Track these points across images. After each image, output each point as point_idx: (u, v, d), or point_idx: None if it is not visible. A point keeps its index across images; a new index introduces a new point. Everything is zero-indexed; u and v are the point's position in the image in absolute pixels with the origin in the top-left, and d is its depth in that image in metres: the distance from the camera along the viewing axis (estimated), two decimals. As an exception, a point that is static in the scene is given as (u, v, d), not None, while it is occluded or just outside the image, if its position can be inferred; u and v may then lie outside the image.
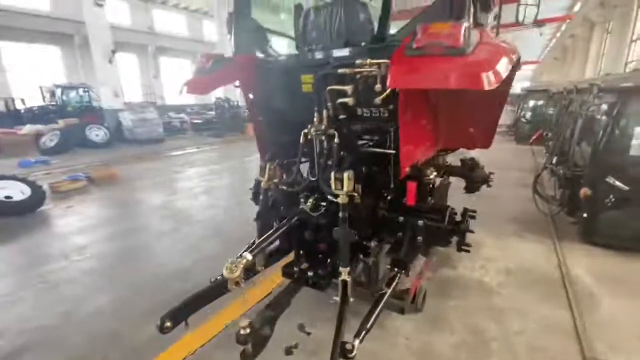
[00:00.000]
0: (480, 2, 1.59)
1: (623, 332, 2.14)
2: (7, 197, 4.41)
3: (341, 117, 1.62)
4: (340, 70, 1.53)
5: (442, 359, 1.94)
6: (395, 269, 1.76)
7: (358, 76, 1.52)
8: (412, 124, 1.54)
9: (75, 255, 3.39)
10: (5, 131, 9.78)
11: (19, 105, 13.88)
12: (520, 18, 2.48)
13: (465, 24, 1.13)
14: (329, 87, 1.57)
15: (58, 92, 12.05)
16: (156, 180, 6.63)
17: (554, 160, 4.13)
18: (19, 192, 4.55)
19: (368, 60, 1.43)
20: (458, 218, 1.96)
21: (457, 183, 3.17)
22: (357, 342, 1.45)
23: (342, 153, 1.60)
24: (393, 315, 2.23)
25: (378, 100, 1.41)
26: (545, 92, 9.50)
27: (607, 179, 2.99)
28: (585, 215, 3.23)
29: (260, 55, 2.06)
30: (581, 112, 3.86)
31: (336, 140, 1.58)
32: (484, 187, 3.09)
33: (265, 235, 1.64)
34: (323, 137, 1.60)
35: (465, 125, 2.28)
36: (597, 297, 2.49)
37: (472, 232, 1.97)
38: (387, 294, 1.72)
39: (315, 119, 1.62)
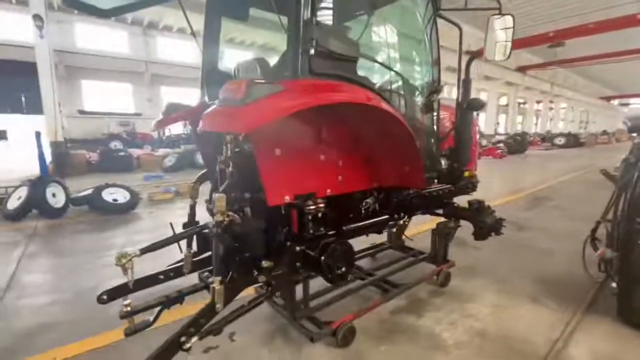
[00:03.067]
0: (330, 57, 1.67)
1: None
2: (114, 200, 6.03)
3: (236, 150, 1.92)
4: None
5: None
6: (267, 288, 1.87)
7: None
8: (273, 163, 1.73)
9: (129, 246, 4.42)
10: (146, 152, 13.10)
11: (167, 133, 18.34)
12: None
13: (250, 82, 1.34)
14: None
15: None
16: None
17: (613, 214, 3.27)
18: (123, 197, 6.16)
19: None
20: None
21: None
22: (195, 338, 1.65)
23: (227, 180, 1.88)
24: (316, 345, 2.26)
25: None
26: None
27: (642, 241, 2.30)
28: (614, 285, 2.50)
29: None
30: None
31: (229, 169, 1.88)
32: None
33: (163, 239, 2.01)
34: (223, 166, 1.93)
35: (395, 164, 2.25)
36: (576, 387, 1.94)
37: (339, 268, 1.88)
38: (245, 305, 1.85)
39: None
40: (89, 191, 6.09)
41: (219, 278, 1.77)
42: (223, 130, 1.33)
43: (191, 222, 2.25)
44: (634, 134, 2.66)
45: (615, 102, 47.75)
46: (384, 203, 2.62)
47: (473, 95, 2.69)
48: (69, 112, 18.32)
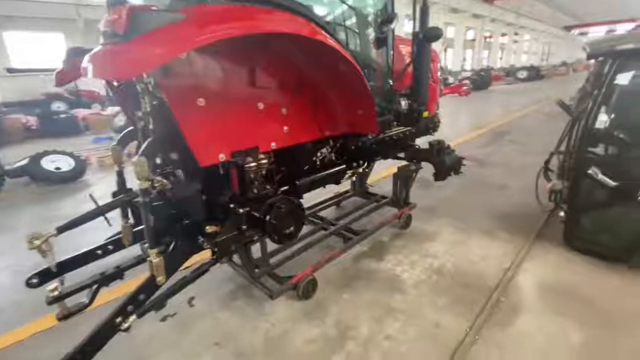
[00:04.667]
0: None
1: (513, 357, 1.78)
2: (56, 169, 5.47)
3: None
4: None
5: (288, 350, 1.90)
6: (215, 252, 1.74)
7: None
8: (197, 116, 1.47)
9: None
10: (93, 112, 11.85)
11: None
12: None
13: (135, 8, 1.03)
14: None
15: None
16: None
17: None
18: (67, 164, 5.59)
19: None
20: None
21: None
22: (133, 317, 1.52)
23: (148, 141, 1.62)
24: (278, 300, 2.23)
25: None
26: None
27: (590, 171, 2.34)
28: (561, 214, 2.61)
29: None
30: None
31: (150, 126, 1.60)
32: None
33: (84, 213, 1.78)
34: (144, 123, 1.64)
35: (347, 108, 2.06)
36: (521, 312, 2.07)
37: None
38: (187, 276, 1.73)
39: None
40: (25, 161, 5.46)
41: (156, 250, 1.59)
42: (101, 77, 1.05)
43: (121, 190, 1.99)
44: (592, 61, 2.58)
45: (576, 32, 48.33)
46: (340, 152, 2.46)
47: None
48: (-4, 71, 15.91)
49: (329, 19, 2.01)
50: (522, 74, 25.23)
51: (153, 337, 2.04)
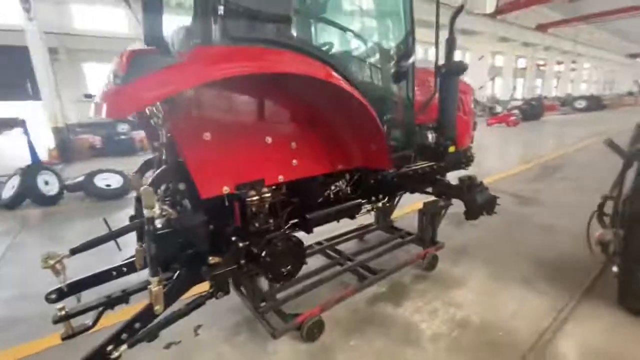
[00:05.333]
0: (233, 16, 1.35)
1: None
2: (107, 185, 5.97)
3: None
4: None
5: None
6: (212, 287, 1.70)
7: None
8: (202, 149, 1.50)
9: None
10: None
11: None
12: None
13: (135, 53, 1.08)
14: None
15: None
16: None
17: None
18: (116, 182, 6.10)
19: None
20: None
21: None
22: (124, 347, 1.51)
23: (159, 170, 1.68)
24: (283, 339, 2.13)
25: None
26: None
27: (649, 221, 2.00)
28: (614, 269, 2.23)
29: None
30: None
31: (164, 157, 1.67)
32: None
33: (99, 236, 1.85)
34: (159, 154, 1.72)
35: (359, 143, 1.99)
36: (559, 387, 1.74)
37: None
38: (182, 308, 1.69)
39: None
40: (82, 177, 6.05)
41: (156, 278, 1.60)
42: (98, 116, 1.11)
43: (137, 214, 2.07)
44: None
45: (645, 59, 44.33)
46: (357, 186, 2.37)
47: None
48: (76, 96, 18.22)
49: (345, 52, 2.01)
50: (581, 104, 23.45)
51: (158, 365, 2.03)
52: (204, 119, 1.48)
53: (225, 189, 1.60)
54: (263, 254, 1.59)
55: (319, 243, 3.16)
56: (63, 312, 1.68)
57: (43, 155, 10.32)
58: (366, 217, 3.06)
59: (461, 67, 2.17)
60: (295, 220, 2.06)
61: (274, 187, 1.81)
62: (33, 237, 4.46)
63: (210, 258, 1.73)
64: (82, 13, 18.38)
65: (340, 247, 3.24)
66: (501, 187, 5.50)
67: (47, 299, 1.85)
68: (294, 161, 1.83)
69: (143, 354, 2.09)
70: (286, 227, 2.04)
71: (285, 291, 2.41)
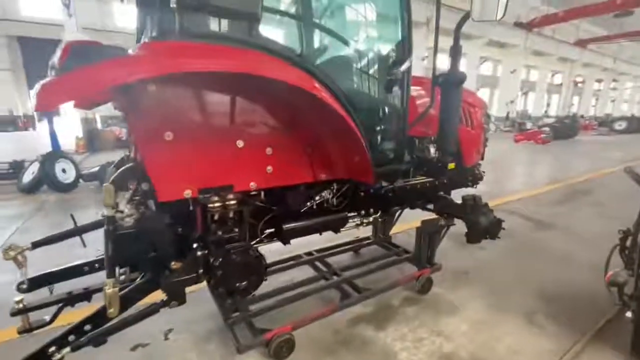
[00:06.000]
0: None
1: None
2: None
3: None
4: None
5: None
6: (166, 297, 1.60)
7: None
8: (162, 150, 1.41)
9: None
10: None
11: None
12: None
13: (73, 45, 1.01)
14: None
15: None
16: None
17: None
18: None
19: None
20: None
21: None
22: (66, 350, 1.44)
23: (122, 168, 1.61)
24: (252, 354, 2.01)
25: None
26: None
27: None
28: (628, 314, 1.95)
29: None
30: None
31: (131, 154, 1.61)
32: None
33: (62, 231, 1.81)
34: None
35: (342, 153, 1.85)
36: None
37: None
38: (131, 316, 1.60)
39: None
40: (97, 168, 6.23)
41: (112, 280, 1.53)
42: (34, 108, 1.05)
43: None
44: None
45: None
46: (346, 198, 2.23)
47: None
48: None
49: (331, 57, 1.88)
50: (620, 125, 22.00)
51: (119, 367, 1.97)
52: (165, 117, 1.40)
53: (187, 193, 1.51)
54: (217, 265, 1.48)
55: (309, 253, 3.03)
56: (21, 305, 1.65)
57: (70, 145, 10.85)
58: (366, 230, 2.91)
59: (460, 78, 2.00)
60: (272, 230, 1.95)
61: (250, 193, 1.71)
62: (42, 222, 4.60)
63: (173, 263, 1.65)
64: (121, 12, 19.19)
65: (333, 259, 3.10)
66: (519, 208, 5.16)
67: (19, 288, 1.82)
68: (269, 168, 1.72)
69: (107, 355, 2.03)
70: (262, 236, 1.94)
71: (265, 301, 2.30)
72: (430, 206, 2.96)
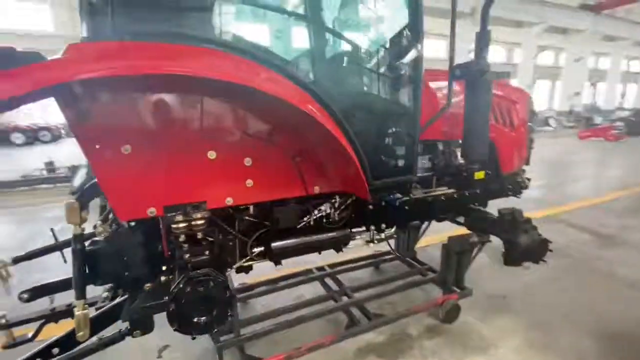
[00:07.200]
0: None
1: None
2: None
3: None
4: None
5: None
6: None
7: None
8: (119, 164, 1.26)
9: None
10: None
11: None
12: None
13: None
14: None
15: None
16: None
17: None
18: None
19: None
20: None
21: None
22: None
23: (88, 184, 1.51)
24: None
25: None
26: None
27: None
28: None
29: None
30: None
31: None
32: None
33: (43, 247, 1.75)
34: None
35: (333, 164, 1.58)
36: None
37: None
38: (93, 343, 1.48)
39: None
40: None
41: (81, 302, 1.44)
42: None
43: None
44: None
45: None
46: (352, 211, 1.96)
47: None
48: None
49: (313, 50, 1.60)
50: None
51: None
52: (120, 129, 1.25)
53: (151, 212, 1.36)
54: (171, 295, 1.30)
55: (320, 268, 2.78)
56: (3, 320, 1.62)
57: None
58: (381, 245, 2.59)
59: (481, 68, 1.61)
60: (261, 249, 1.74)
61: (240, 208, 1.53)
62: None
63: (147, 285, 1.52)
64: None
65: (350, 275, 2.83)
66: (580, 218, 4.42)
67: (20, 297, 1.83)
68: (249, 181, 1.51)
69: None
70: (251, 255, 1.74)
71: (264, 322, 2.11)
72: (462, 219, 2.56)
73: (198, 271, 1.35)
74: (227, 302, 1.38)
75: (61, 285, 1.83)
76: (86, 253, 1.45)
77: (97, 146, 1.22)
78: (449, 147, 2.27)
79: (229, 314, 1.40)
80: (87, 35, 1.08)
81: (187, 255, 1.39)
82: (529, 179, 2.70)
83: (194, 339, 1.35)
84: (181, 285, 1.29)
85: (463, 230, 2.54)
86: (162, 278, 1.41)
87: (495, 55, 28.73)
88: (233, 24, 1.44)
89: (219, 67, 1.09)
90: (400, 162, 1.78)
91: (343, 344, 2.10)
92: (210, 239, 1.51)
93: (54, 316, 1.75)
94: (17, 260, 1.66)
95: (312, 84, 1.37)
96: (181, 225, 1.37)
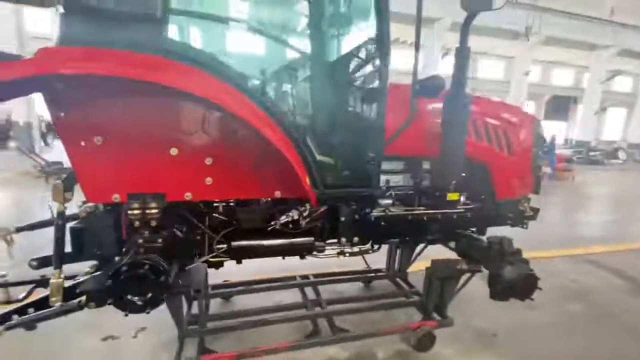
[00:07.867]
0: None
1: None
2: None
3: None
4: None
5: None
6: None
7: None
8: (91, 153, 1.42)
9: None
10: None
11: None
12: None
13: None
14: None
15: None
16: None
17: None
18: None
19: None
20: None
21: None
22: (1, 328, 1.56)
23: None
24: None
25: None
26: None
27: None
28: None
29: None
30: None
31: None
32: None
33: (44, 220, 1.97)
34: None
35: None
36: None
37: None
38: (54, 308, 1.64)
39: None
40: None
41: (57, 271, 1.64)
42: None
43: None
44: None
45: None
46: (320, 221, 1.98)
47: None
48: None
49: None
50: None
51: (87, 351, 2.12)
52: (95, 122, 1.42)
53: (115, 197, 1.52)
54: (111, 272, 1.43)
55: (304, 277, 2.79)
56: (1, 280, 1.88)
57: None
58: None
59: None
60: (224, 247, 1.83)
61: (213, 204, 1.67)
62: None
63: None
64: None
65: (338, 287, 2.82)
66: (614, 262, 3.90)
67: (30, 265, 2.11)
68: (208, 179, 1.62)
69: (80, 340, 2.20)
70: (218, 251, 1.84)
71: (225, 321, 2.19)
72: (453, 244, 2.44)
73: (144, 256, 1.48)
74: (162, 288, 1.48)
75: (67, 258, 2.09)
76: (70, 230, 1.64)
77: (73, 136, 1.41)
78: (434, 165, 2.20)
79: (162, 298, 1.50)
80: (56, 41, 1.27)
81: (140, 241, 1.53)
82: (536, 209, 2.47)
83: (126, 315, 1.47)
84: (122, 265, 1.42)
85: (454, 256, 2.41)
86: (116, 258, 1.56)
87: (561, 78, 26.53)
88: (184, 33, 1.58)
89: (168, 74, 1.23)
90: (359, 174, 1.78)
91: (307, 353, 2.09)
92: (169, 229, 1.63)
93: (44, 282, 1.99)
94: (19, 230, 1.93)
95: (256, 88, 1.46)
96: (135, 212, 1.51)
